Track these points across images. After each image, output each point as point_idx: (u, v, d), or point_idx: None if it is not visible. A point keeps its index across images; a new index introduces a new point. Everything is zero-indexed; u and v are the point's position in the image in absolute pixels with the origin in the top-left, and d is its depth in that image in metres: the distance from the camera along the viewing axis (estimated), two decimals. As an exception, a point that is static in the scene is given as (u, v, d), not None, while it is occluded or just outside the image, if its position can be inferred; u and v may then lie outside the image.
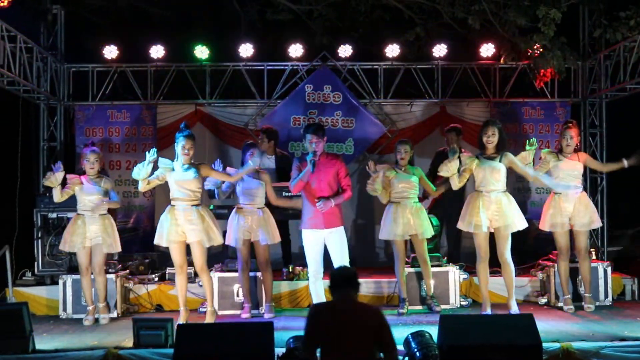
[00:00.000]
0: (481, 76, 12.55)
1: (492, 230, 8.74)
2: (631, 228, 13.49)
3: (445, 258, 10.03)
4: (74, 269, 9.71)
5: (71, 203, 9.25)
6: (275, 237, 9.14)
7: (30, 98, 11.90)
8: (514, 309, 8.71)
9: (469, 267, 10.34)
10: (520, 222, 8.74)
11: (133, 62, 12.55)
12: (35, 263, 10.33)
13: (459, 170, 8.68)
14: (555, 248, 9.83)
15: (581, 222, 9.23)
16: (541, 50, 11.55)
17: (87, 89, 12.51)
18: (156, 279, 10.38)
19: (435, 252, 9.91)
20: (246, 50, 12.40)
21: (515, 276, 8.99)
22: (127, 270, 10.14)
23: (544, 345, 6.72)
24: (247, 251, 9.11)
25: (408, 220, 9.14)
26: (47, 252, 10.22)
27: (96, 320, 9.15)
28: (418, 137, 12.26)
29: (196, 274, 9.17)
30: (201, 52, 12.38)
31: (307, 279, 8.90)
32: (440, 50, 12.49)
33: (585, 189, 9.41)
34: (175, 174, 8.48)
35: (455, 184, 8.74)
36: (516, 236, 8.85)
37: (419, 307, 9.51)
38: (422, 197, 9.93)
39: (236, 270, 9.36)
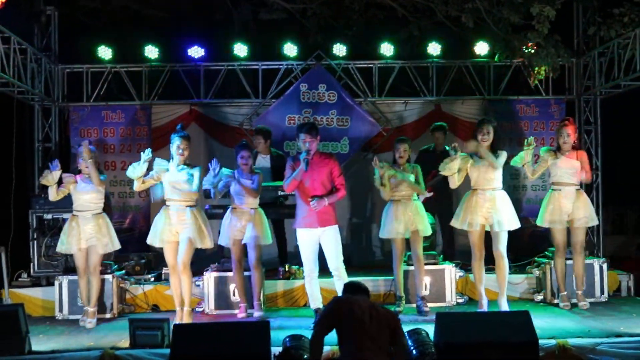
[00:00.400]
0: (476, 74, 12.56)
1: (488, 228, 8.75)
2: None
3: (441, 256, 10.03)
4: (69, 270, 9.71)
5: (66, 204, 9.26)
6: (265, 238, 9.07)
7: (24, 99, 11.87)
8: (504, 307, 8.69)
9: (465, 264, 10.35)
10: (511, 223, 8.73)
11: (127, 62, 12.54)
12: (31, 264, 10.34)
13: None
14: (552, 245, 9.86)
15: (580, 219, 9.22)
16: (535, 47, 11.55)
17: (82, 89, 12.50)
18: (152, 279, 10.39)
19: (431, 250, 9.92)
20: (240, 49, 12.39)
21: (511, 273, 9.01)
22: (123, 271, 10.12)
23: (540, 342, 6.75)
24: (240, 251, 9.09)
25: (409, 218, 9.12)
26: (42, 253, 10.21)
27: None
28: (413, 136, 12.22)
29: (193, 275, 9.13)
30: (195, 51, 12.37)
31: (303, 278, 8.89)
32: (434, 48, 12.49)
33: (597, 186, 9.33)
34: (170, 174, 8.50)
35: (455, 183, 8.76)
36: (511, 233, 8.86)
37: (415, 305, 9.50)
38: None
39: (231, 270, 9.35)
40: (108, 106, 12.50)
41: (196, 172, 8.50)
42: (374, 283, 10.16)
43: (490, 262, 9.01)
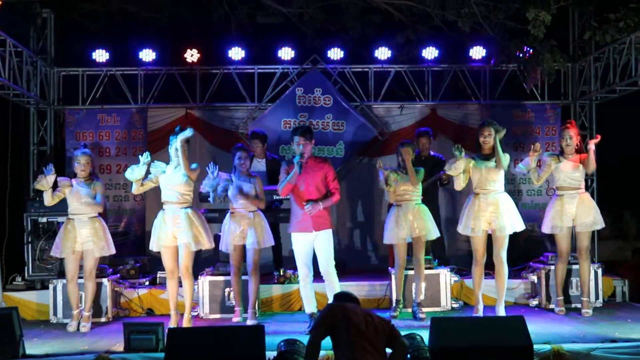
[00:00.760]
0: (471, 79, 12.59)
1: (490, 232, 8.69)
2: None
3: (437, 261, 10.01)
4: (64, 273, 9.66)
5: (61, 207, 9.22)
6: (265, 241, 9.03)
7: (20, 102, 11.87)
8: (502, 313, 8.64)
9: (460, 269, 10.36)
10: (517, 224, 8.68)
11: (123, 65, 12.55)
12: (25, 268, 10.30)
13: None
14: (547, 250, 9.86)
15: (584, 223, 9.09)
16: (531, 52, 11.56)
17: (77, 92, 12.51)
18: (147, 283, 10.37)
19: (426, 255, 9.88)
20: (236, 53, 12.41)
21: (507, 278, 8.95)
22: (119, 275, 10.10)
23: (535, 347, 6.73)
24: (239, 256, 9.03)
25: (410, 222, 9.05)
26: (37, 256, 10.18)
27: (77, 329, 8.99)
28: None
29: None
30: (191, 55, 12.37)
31: (298, 283, 8.87)
32: (430, 53, 12.52)
33: (592, 190, 9.26)
34: (166, 176, 8.49)
35: (459, 185, 8.70)
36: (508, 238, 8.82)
37: (411, 310, 9.49)
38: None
39: (227, 274, 9.35)
40: (104, 109, 12.51)
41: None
42: (369, 287, 10.19)
43: (487, 268, 9.00)
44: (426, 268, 9.52)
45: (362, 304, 9.58)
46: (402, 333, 6.92)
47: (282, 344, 6.79)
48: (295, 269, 9.13)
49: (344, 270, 11.30)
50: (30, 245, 10.27)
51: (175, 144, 8.46)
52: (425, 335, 6.88)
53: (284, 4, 12.42)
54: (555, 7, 10.89)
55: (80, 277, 9.10)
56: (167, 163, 8.57)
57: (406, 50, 12.85)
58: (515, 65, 12.07)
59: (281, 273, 10.26)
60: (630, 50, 10.65)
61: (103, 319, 9.51)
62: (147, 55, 12.43)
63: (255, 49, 12.73)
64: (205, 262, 10.21)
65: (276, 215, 10.08)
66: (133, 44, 12.53)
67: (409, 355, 6.55)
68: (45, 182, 8.75)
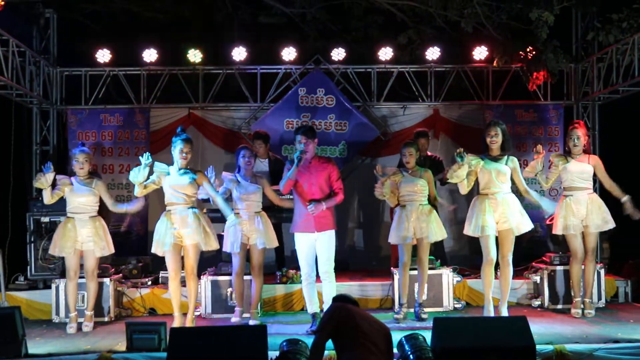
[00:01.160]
0: (474, 79, 12.58)
1: (497, 234, 8.56)
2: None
3: (439, 261, 9.99)
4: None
5: (64, 207, 9.15)
6: (272, 241, 9.01)
7: (22, 102, 11.88)
8: (504, 314, 8.54)
9: (463, 269, 10.35)
10: (526, 224, 8.56)
11: (126, 65, 12.56)
12: (28, 267, 10.29)
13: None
14: (550, 251, 9.82)
15: (595, 224, 9.00)
16: (534, 53, 11.55)
17: (80, 92, 12.52)
18: (149, 282, 10.36)
19: (429, 255, 9.86)
20: (239, 53, 12.41)
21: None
22: (121, 274, 10.10)
23: (538, 347, 6.72)
24: (244, 257, 8.97)
25: (414, 223, 8.96)
26: (39, 256, 10.17)
27: (79, 328, 8.95)
28: (411, 141, 12.25)
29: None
30: (194, 55, 12.38)
31: (301, 283, 8.86)
32: (433, 53, 12.50)
33: (595, 190, 9.22)
34: (171, 178, 8.38)
35: (465, 189, 8.53)
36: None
37: (413, 311, 9.47)
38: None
39: (229, 274, 9.32)
40: (106, 109, 12.52)
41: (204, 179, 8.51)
42: (370, 288, 10.18)
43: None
44: (429, 268, 9.49)
45: (364, 304, 9.77)
46: (405, 333, 6.97)
47: (284, 343, 6.77)
48: (297, 268, 9.12)
49: (346, 270, 11.33)
50: (32, 244, 10.26)
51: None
52: (427, 335, 6.87)
53: (286, 4, 12.44)
54: (559, 8, 10.90)
55: (81, 277, 9.09)
56: (169, 164, 8.51)
57: (409, 51, 12.86)
58: (518, 65, 12.05)
59: (283, 273, 10.25)
60: (633, 50, 10.64)
61: (105, 319, 9.51)
62: (150, 55, 12.43)
63: (258, 49, 12.74)
64: (207, 262, 10.19)
65: (278, 215, 10.05)
66: (136, 44, 12.53)
67: (412, 356, 6.55)
68: (44, 179, 8.69)
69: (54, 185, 8.89)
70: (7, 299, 9.87)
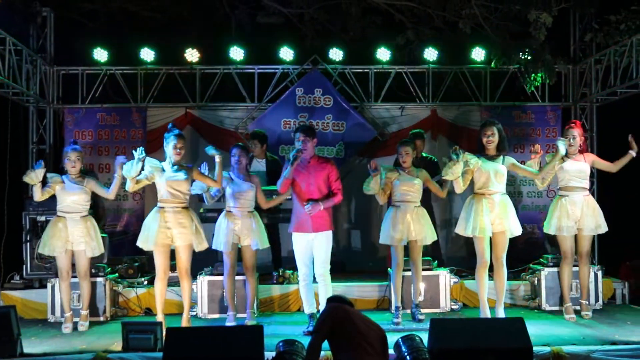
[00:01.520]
0: (472, 80, 12.57)
1: (491, 235, 8.48)
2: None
3: (436, 262, 9.97)
4: (60, 272, 9.64)
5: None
6: (264, 242, 8.91)
7: (19, 101, 11.85)
8: (501, 316, 8.46)
9: (460, 270, 10.33)
10: (517, 229, 8.51)
11: (123, 64, 12.53)
12: (24, 266, 10.24)
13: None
14: (547, 252, 9.80)
15: (588, 226, 8.95)
16: (532, 54, 11.54)
17: (77, 91, 12.49)
18: (145, 282, 10.32)
19: (426, 256, 9.83)
20: (237, 53, 12.39)
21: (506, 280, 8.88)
22: (117, 274, 10.07)
23: (535, 349, 6.70)
24: (235, 256, 8.88)
25: (408, 225, 8.89)
26: (35, 255, 10.10)
27: (75, 328, 8.92)
28: (409, 141, 12.23)
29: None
30: (191, 54, 12.36)
31: (298, 283, 8.83)
32: (431, 54, 12.49)
33: (592, 192, 9.16)
34: (166, 174, 8.31)
35: (460, 187, 8.44)
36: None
37: (410, 312, 9.45)
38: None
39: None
40: (103, 108, 12.50)
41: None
42: (368, 288, 10.16)
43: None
44: (426, 269, 9.47)
45: (361, 305, 9.75)
46: (402, 334, 6.94)
47: (280, 344, 6.75)
48: (294, 269, 9.09)
49: (343, 271, 11.30)
50: (28, 243, 10.21)
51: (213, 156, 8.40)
52: (424, 336, 6.84)
53: (284, 4, 12.43)
54: (556, 9, 10.89)
55: (74, 277, 9.05)
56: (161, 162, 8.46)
57: (407, 51, 12.84)
58: (516, 66, 12.04)
59: (280, 273, 10.22)
60: (631, 52, 10.64)
61: (101, 318, 9.48)
62: (147, 54, 12.41)
63: (255, 48, 12.71)
64: (203, 261, 10.13)
65: (275, 215, 10.04)
66: (133, 43, 12.50)
67: (408, 357, 6.54)
68: (33, 175, 8.52)
69: (45, 182, 8.78)
70: (3, 298, 9.85)
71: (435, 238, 9.26)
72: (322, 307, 7.69)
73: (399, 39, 12.70)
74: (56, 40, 12.39)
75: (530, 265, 10.16)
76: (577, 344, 7.37)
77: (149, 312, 9.92)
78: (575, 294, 9.50)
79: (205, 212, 9.66)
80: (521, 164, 8.95)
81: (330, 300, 6.47)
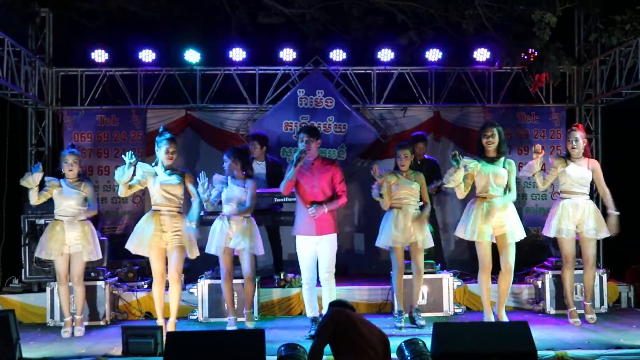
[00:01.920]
0: (475, 81, 12.50)
1: (494, 240, 8.40)
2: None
3: (439, 265, 9.88)
4: (58, 275, 9.56)
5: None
6: (259, 248, 8.74)
7: (18, 102, 11.79)
8: (504, 319, 8.36)
9: (463, 274, 10.26)
10: (520, 233, 8.39)
11: (122, 66, 12.47)
12: (22, 270, 10.21)
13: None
14: (551, 255, 9.72)
15: (589, 229, 8.83)
16: (536, 55, 11.47)
17: (76, 93, 12.42)
18: (145, 286, 10.26)
19: (429, 259, 9.73)
20: (237, 54, 12.34)
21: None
22: (116, 277, 10.00)
23: (539, 353, 6.67)
24: (230, 260, 8.75)
25: (408, 228, 8.79)
26: (34, 258, 10.03)
27: (74, 332, 8.86)
28: (411, 143, 12.16)
29: (187, 282, 8.96)
30: (192, 55, 12.30)
31: (299, 286, 8.76)
32: (434, 54, 12.42)
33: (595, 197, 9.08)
34: (159, 178, 8.28)
35: (462, 193, 8.35)
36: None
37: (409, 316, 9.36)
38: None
39: (225, 278, 9.20)
40: (102, 110, 12.43)
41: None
42: (370, 292, 10.10)
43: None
44: (429, 272, 9.39)
45: (363, 309, 9.70)
46: (405, 339, 6.87)
47: (282, 348, 6.69)
48: (295, 272, 9.02)
49: (345, 274, 11.23)
50: (27, 247, 10.17)
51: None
52: (427, 341, 6.77)
53: (285, 4, 12.36)
54: (561, 9, 10.83)
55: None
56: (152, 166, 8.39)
57: (409, 52, 12.74)
58: (520, 67, 11.97)
59: (281, 277, 10.14)
60: (636, 53, 10.58)
61: (101, 322, 9.45)
62: (147, 55, 12.36)
63: (256, 49, 12.65)
64: (204, 265, 10.06)
65: (276, 218, 9.95)
66: (133, 44, 12.44)
67: (412, 361, 6.49)
68: (30, 178, 8.48)
69: (42, 186, 8.73)
70: (1, 302, 9.86)
71: (432, 244, 9.13)
72: (325, 312, 7.62)
73: (402, 39, 12.61)
74: (55, 41, 12.34)
75: (535, 268, 10.09)
76: (582, 348, 7.32)
77: (149, 316, 9.86)
78: (580, 297, 9.43)
79: (206, 215, 9.56)
80: (524, 164, 8.89)
81: (332, 304, 6.47)
